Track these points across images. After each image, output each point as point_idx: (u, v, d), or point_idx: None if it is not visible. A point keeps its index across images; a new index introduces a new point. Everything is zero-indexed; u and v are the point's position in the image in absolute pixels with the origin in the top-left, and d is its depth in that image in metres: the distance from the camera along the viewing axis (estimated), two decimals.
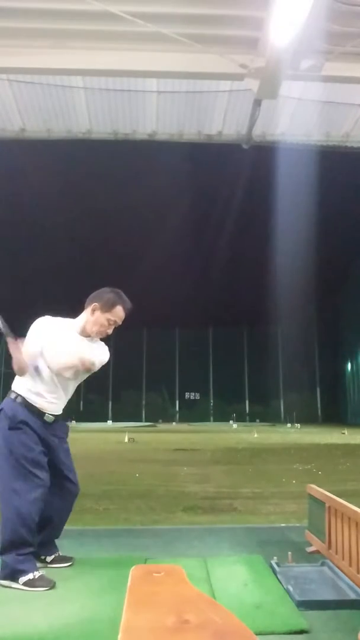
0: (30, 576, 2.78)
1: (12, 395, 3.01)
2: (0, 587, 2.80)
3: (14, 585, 2.78)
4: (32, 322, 3.16)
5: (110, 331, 3.18)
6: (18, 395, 3.00)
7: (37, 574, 2.81)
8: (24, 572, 2.78)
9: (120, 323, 3.19)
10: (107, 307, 3.12)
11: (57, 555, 3.16)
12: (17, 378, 3.07)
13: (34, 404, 2.98)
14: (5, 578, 2.82)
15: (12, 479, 2.86)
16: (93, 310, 3.13)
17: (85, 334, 3.14)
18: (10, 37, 3.48)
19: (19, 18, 3.34)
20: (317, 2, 2.79)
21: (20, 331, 3.06)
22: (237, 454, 13.04)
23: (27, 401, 2.97)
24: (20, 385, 3.03)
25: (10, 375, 3.18)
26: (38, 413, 2.98)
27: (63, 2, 3.23)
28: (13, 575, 2.79)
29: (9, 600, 2.63)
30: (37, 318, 3.18)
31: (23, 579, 2.77)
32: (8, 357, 3.01)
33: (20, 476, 2.86)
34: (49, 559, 3.11)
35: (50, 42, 3.52)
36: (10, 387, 3.09)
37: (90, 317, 3.13)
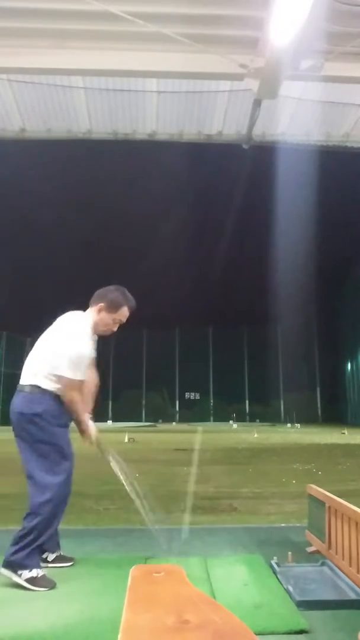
0: (33, 573, 2.78)
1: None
2: (1, 586, 2.79)
3: (14, 578, 2.76)
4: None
5: (115, 329, 3.25)
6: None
7: (40, 572, 2.81)
8: (27, 567, 2.78)
9: (124, 321, 3.26)
10: (113, 308, 3.19)
11: (59, 554, 3.16)
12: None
13: None
14: (6, 567, 2.80)
15: None
16: (99, 310, 3.18)
17: (93, 332, 3.20)
18: (10, 37, 3.48)
19: (19, 18, 3.34)
20: (317, 2, 2.79)
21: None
22: (237, 454, 13.03)
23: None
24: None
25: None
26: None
27: (63, 2, 3.23)
28: (16, 567, 2.78)
29: (9, 600, 2.63)
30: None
31: (26, 574, 2.76)
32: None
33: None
34: (51, 557, 3.10)
35: (50, 42, 3.52)
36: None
37: (97, 316, 3.18)
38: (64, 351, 2.95)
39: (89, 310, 3.23)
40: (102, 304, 3.18)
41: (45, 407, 2.93)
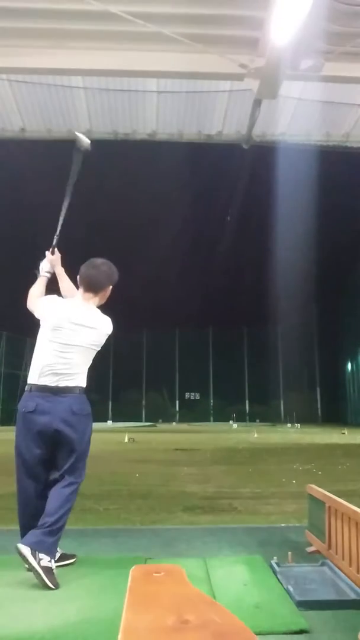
0: (52, 564, 2.79)
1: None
2: (1, 586, 2.79)
3: (30, 559, 2.73)
4: (33, 322, 3.29)
5: None
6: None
7: (55, 566, 2.82)
8: (49, 555, 2.79)
9: None
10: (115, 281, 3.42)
11: (62, 553, 3.14)
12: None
13: None
14: (28, 545, 2.77)
15: None
16: (108, 291, 3.38)
17: None
18: (10, 37, 3.48)
19: (19, 18, 3.34)
20: (317, 2, 2.79)
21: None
22: (237, 454, 13.03)
23: None
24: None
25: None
26: None
27: (63, 2, 3.23)
28: (40, 549, 2.77)
29: (9, 600, 2.62)
30: (35, 318, 3.29)
31: (45, 561, 2.75)
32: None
33: None
34: (56, 555, 3.09)
35: (50, 42, 3.52)
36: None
37: (104, 297, 3.38)
38: (104, 336, 3.26)
39: (87, 294, 3.29)
40: (111, 286, 3.37)
41: (90, 408, 3.21)
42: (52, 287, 3.51)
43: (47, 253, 3.52)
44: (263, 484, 7.43)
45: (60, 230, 3.55)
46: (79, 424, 3.08)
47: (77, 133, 3.61)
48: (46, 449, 3.03)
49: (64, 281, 3.54)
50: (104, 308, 3.38)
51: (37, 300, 3.35)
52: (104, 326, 3.27)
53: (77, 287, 3.35)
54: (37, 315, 3.27)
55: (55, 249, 3.53)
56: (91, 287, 3.28)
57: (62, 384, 3.08)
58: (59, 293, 3.46)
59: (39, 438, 3.01)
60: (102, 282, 3.31)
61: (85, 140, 3.55)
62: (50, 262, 3.52)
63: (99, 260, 3.35)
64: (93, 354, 3.25)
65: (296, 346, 48.16)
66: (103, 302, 3.38)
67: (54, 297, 3.38)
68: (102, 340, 3.25)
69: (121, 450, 14.29)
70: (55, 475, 3.05)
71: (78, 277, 3.33)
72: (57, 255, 3.55)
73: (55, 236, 3.55)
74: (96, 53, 3.57)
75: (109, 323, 3.30)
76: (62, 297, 3.42)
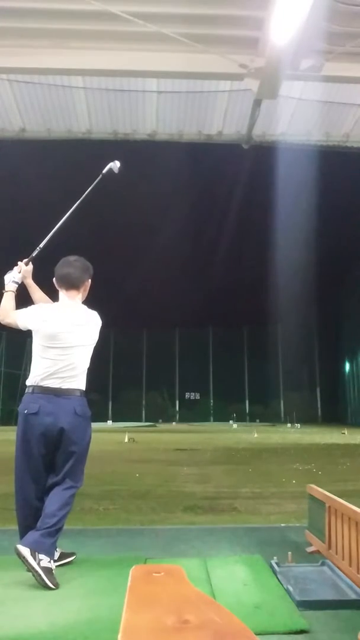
0: (51, 564, 2.79)
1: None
2: (1, 586, 2.79)
3: (30, 560, 2.73)
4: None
5: None
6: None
7: (54, 566, 2.82)
8: (48, 555, 2.80)
9: None
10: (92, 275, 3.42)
11: (61, 552, 3.15)
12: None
13: None
14: (28, 546, 2.78)
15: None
16: (88, 285, 3.39)
17: None
18: (10, 37, 3.48)
19: (19, 18, 3.34)
20: (317, 2, 2.79)
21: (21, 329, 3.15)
22: (237, 454, 13.03)
23: None
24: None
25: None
26: None
27: (63, 2, 3.23)
28: (39, 550, 2.77)
29: (9, 600, 2.62)
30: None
31: (45, 562, 2.75)
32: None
33: None
34: (55, 555, 3.09)
35: (50, 42, 3.52)
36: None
37: (86, 291, 3.39)
38: (98, 329, 3.28)
39: (71, 292, 3.28)
40: (90, 279, 3.37)
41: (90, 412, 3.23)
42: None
43: (21, 263, 3.46)
44: (263, 484, 7.43)
45: (45, 245, 3.52)
46: (80, 425, 3.10)
47: (116, 163, 3.74)
48: (48, 450, 3.03)
49: (36, 292, 3.51)
50: (101, 306, 3.40)
51: (17, 313, 3.26)
52: (96, 320, 3.29)
53: (51, 293, 3.36)
54: (22, 326, 3.22)
55: (30, 262, 3.50)
56: (73, 284, 3.28)
57: (65, 385, 3.09)
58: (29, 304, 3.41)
59: (43, 439, 3.01)
60: (82, 277, 3.31)
61: (116, 167, 3.69)
62: (23, 273, 3.45)
63: (71, 258, 3.34)
64: (91, 351, 3.26)
65: (296, 346, 48.19)
66: (85, 297, 3.38)
67: (40, 306, 3.35)
68: (97, 334, 3.27)
69: (121, 450, 14.29)
70: (55, 478, 3.04)
71: (54, 279, 3.31)
72: (31, 266, 3.52)
73: (37, 248, 3.52)
74: (96, 53, 3.57)
75: (98, 316, 3.32)
76: None
